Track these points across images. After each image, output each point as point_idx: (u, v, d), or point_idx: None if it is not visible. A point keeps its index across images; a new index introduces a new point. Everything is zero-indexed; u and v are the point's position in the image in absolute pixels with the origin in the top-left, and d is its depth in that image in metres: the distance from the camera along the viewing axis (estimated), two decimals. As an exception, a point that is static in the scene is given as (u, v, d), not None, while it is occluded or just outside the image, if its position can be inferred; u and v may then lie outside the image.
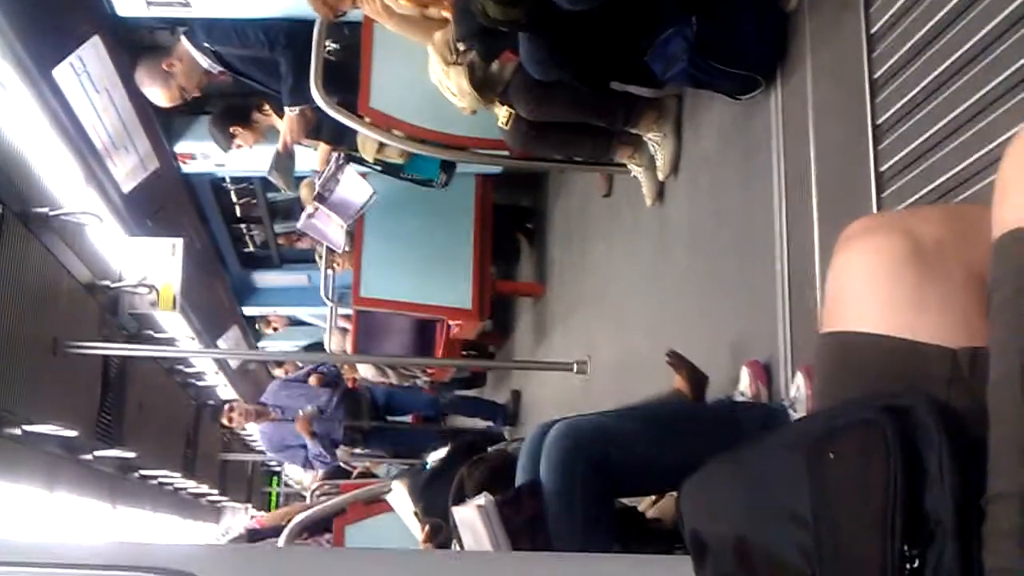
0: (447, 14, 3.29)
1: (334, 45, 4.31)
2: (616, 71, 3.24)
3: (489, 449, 3.21)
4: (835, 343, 0.96)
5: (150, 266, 5.70)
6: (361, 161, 4.83)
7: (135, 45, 4.97)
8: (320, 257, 6.24)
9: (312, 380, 7.13)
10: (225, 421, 6.94)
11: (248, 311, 10.00)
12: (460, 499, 2.39)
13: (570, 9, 2.56)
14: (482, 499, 2.19)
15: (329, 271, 6.27)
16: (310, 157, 5.18)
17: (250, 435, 14.29)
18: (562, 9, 2.56)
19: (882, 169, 2.18)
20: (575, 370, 4.83)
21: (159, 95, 4.68)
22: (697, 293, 3.31)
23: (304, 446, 6.93)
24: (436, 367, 7.29)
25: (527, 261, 6.92)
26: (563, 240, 5.74)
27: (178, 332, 7.50)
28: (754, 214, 2.80)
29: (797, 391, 2.34)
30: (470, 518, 2.19)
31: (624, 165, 3.77)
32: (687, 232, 3.44)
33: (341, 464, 8.08)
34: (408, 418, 7.85)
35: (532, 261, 6.74)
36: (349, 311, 6.88)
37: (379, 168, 4.89)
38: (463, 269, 5.95)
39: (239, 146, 4.98)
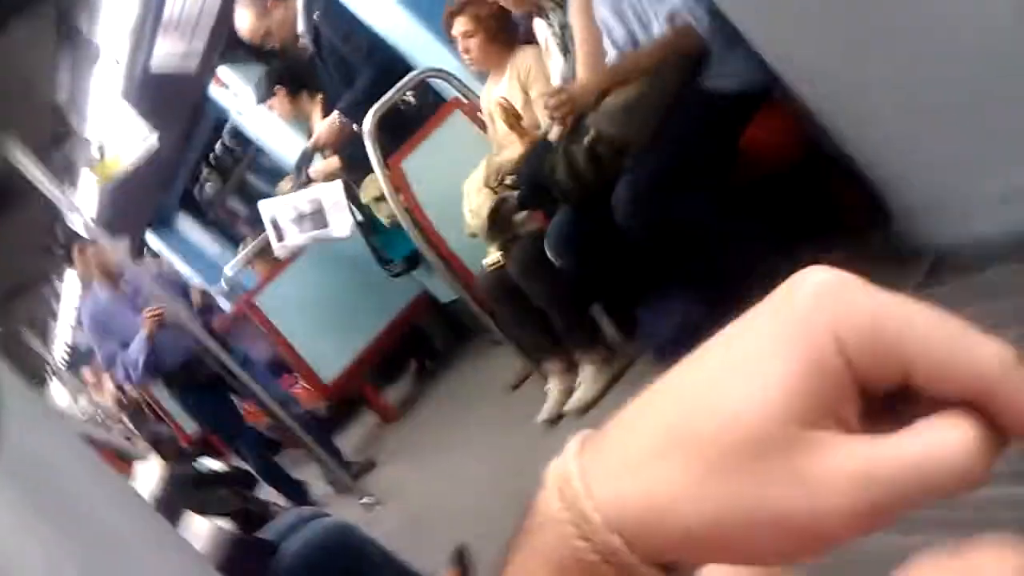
0: (518, 140, 3.37)
1: (411, 97, 4.38)
2: (609, 297, 3.30)
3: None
4: None
5: (116, 135, 5.59)
6: (355, 197, 4.86)
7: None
8: (244, 245, 6.23)
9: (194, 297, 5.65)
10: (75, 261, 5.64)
11: (151, 240, 9.84)
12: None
13: (628, 225, 2.62)
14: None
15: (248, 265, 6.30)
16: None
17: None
18: (616, 220, 2.63)
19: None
20: (361, 500, 4.74)
21: (246, 20, 4.63)
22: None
23: (125, 345, 5.46)
24: (254, 412, 6.69)
25: (403, 386, 6.94)
26: (447, 395, 5.75)
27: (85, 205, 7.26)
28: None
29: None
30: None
31: (546, 375, 3.78)
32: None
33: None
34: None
35: (406, 389, 6.76)
36: (228, 305, 6.80)
37: (362, 214, 4.92)
38: (350, 352, 5.99)
39: (271, 107, 4.99)
